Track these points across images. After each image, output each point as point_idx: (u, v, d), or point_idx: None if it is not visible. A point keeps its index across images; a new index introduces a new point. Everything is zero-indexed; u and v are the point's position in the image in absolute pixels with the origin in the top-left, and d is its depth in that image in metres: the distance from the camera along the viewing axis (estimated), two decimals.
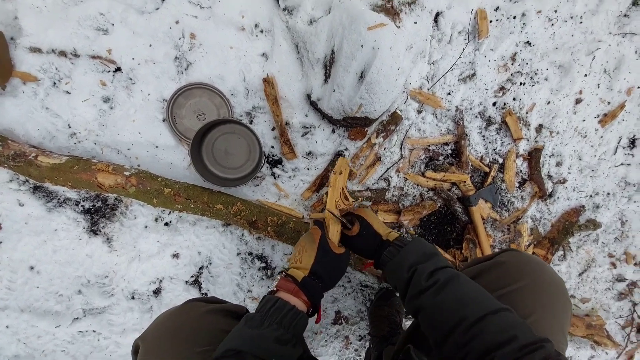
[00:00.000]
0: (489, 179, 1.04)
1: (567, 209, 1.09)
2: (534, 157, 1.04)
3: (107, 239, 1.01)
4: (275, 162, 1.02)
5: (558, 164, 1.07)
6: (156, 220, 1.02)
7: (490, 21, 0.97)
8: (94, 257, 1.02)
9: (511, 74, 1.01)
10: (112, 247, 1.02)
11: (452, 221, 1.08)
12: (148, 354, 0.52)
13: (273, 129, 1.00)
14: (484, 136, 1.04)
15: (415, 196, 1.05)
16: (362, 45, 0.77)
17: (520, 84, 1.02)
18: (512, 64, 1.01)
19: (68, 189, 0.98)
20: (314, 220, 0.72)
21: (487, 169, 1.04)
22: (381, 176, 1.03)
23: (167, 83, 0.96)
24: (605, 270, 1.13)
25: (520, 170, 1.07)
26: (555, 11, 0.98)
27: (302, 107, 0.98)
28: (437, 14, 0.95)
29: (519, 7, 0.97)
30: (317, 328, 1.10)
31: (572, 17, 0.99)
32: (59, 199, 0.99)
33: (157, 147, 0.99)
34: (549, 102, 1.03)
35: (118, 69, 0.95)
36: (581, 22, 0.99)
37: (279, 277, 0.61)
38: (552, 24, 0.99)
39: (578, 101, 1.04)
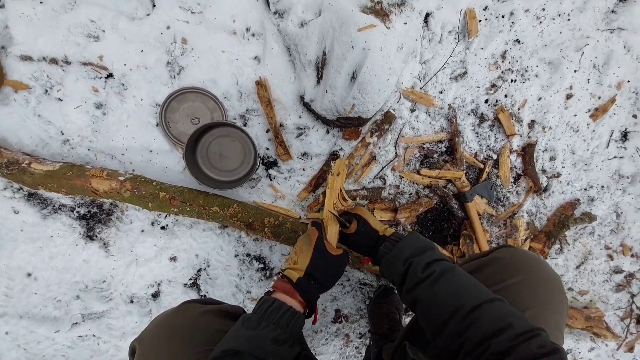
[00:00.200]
0: (484, 175, 1.04)
1: (562, 203, 1.10)
2: (527, 152, 1.05)
3: (104, 244, 1.01)
4: (270, 164, 1.02)
5: (552, 159, 1.08)
6: (152, 224, 1.02)
7: (480, 20, 0.98)
8: (90, 262, 1.01)
9: (502, 72, 1.02)
10: (109, 252, 1.02)
11: (449, 218, 1.08)
12: (146, 354, 0.52)
13: (267, 131, 1.01)
14: (477, 133, 1.05)
15: (411, 194, 1.06)
16: (352, 47, 0.77)
17: (511, 81, 1.03)
18: (503, 61, 1.02)
19: (63, 196, 0.98)
20: (312, 221, 0.73)
21: (482, 165, 1.05)
22: (377, 175, 1.04)
23: (159, 88, 0.96)
24: (602, 263, 1.14)
25: (515, 166, 1.08)
26: (543, 9, 0.99)
27: (296, 108, 0.99)
28: (427, 15, 0.96)
29: (507, 6, 0.98)
30: (317, 327, 1.10)
31: (559, 15, 1.00)
32: (54, 206, 0.99)
33: (151, 151, 0.99)
34: (540, 98, 1.04)
35: (110, 75, 0.96)
36: (569, 20, 1.00)
37: (276, 277, 0.62)
38: (541, 22, 1.00)
39: (569, 96, 1.05)
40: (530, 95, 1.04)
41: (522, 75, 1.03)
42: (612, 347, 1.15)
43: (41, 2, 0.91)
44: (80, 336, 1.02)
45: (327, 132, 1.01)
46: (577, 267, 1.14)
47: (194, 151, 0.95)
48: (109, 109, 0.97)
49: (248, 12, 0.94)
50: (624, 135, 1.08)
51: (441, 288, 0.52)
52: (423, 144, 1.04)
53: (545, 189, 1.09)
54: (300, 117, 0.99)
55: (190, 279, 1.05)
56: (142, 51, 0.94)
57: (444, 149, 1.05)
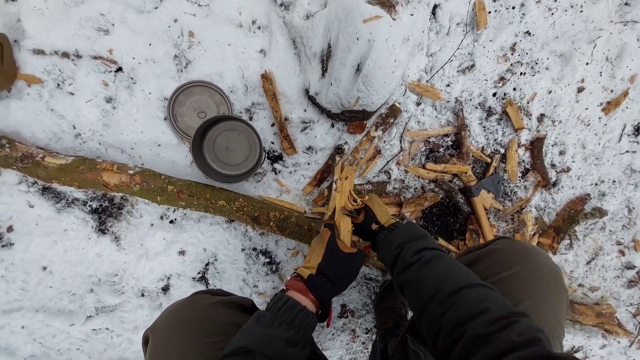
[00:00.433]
0: (491, 170, 1.03)
1: (572, 198, 1.08)
2: (536, 146, 1.04)
3: (115, 237, 1.04)
4: (275, 158, 1.02)
5: (561, 153, 1.06)
6: (161, 218, 1.04)
7: (489, 12, 0.97)
8: (103, 256, 1.04)
9: (511, 64, 1.00)
10: (120, 246, 1.04)
11: (455, 212, 1.08)
12: (157, 344, 0.54)
13: (272, 125, 1.01)
14: (484, 127, 1.04)
15: (416, 188, 1.06)
16: (357, 38, 0.77)
17: (521, 74, 1.01)
18: (512, 54, 1.00)
19: (75, 189, 1.00)
20: (325, 223, 0.75)
21: (489, 160, 1.04)
22: (381, 169, 1.03)
23: (167, 82, 0.98)
24: (613, 258, 1.12)
25: (523, 160, 1.06)
26: (555, 0, 0.97)
27: (301, 102, 0.99)
28: (435, 6, 0.94)
29: None
30: (324, 323, 1.11)
31: (572, 6, 0.97)
32: (67, 200, 1.01)
33: (159, 145, 1.01)
34: (550, 92, 1.02)
35: (119, 69, 0.97)
36: (581, 11, 0.98)
37: (289, 277, 0.62)
38: (552, 14, 0.98)
39: (580, 90, 1.02)
40: (540, 88, 1.02)
41: (532, 68, 1.01)
42: (624, 344, 1.13)
43: None
44: (94, 329, 1.04)
45: (332, 125, 1.01)
46: (588, 263, 1.12)
47: (200, 145, 0.96)
48: (118, 103, 0.98)
49: (254, 4, 0.94)
50: (637, 129, 1.05)
51: (427, 272, 0.52)
52: (429, 137, 1.03)
53: (555, 184, 1.07)
54: (305, 110, 0.99)
55: (199, 273, 1.06)
56: (150, 44, 0.95)
57: (450, 143, 1.04)
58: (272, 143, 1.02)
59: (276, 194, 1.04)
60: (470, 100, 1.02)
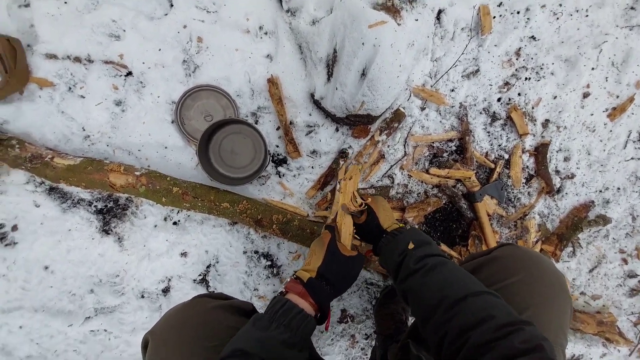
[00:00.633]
0: (495, 175, 1.03)
1: (576, 205, 1.07)
2: (540, 152, 1.03)
3: (119, 238, 1.04)
4: (280, 161, 1.03)
5: (566, 159, 1.05)
6: (165, 219, 1.05)
7: (494, 17, 0.98)
8: (105, 256, 1.04)
9: (516, 69, 1.01)
10: (123, 247, 1.04)
11: (458, 218, 1.07)
12: (157, 348, 0.53)
13: (278, 129, 1.02)
14: (488, 132, 1.04)
15: (419, 193, 1.05)
16: (363, 43, 0.78)
17: (526, 79, 1.01)
18: (517, 59, 1.00)
19: (82, 190, 1.01)
20: (325, 225, 0.74)
21: (493, 165, 1.03)
22: (385, 173, 1.04)
23: (175, 86, 0.99)
24: (616, 267, 1.10)
25: (527, 166, 1.06)
26: (560, 5, 0.98)
27: (306, 106, 1.00)
28: (440, 11, 0.95)
29: (523, 1, 0.97)
30: (323, 327, 1.10)
31: (577, 11, 0.98)
32: (73, 200, 1.03)
33: (166, 147, 1.02)
34: (555, 97, 1.02)
35: (129, 73, 0.99)
36: (587, 16, 0.98)
37: (289, 279, 0.62)
38: (557, 18, 0.98)
39: (586, 95, 1.02)
40: (545, 93, 1.02)
41: (537, 73, 1.01)
42: (624, 353, 1.11)
43: (65, 2, 0.95)
44: (92, 331, 1.03)
45: (337, 130, 1.02)
46: (590, 271, 1.11)
47: (206, 147, 0.97)
48: (127, 106, 1.00)
49: (261, 10, 0.96)
50: None
51: (431, 279, 0.52)
52: (433, 142, 1.03)
53: (559, 190, 1.06)
54: (310, 114, 1.00)
55: (200, 275, 1.07)
56: (160, 50, 0.97)
57: (454, 148, 1.04)
58: (277, 146, 1.03)
59: (280, 197, 1.05)
60: (475, 105, 1.02)
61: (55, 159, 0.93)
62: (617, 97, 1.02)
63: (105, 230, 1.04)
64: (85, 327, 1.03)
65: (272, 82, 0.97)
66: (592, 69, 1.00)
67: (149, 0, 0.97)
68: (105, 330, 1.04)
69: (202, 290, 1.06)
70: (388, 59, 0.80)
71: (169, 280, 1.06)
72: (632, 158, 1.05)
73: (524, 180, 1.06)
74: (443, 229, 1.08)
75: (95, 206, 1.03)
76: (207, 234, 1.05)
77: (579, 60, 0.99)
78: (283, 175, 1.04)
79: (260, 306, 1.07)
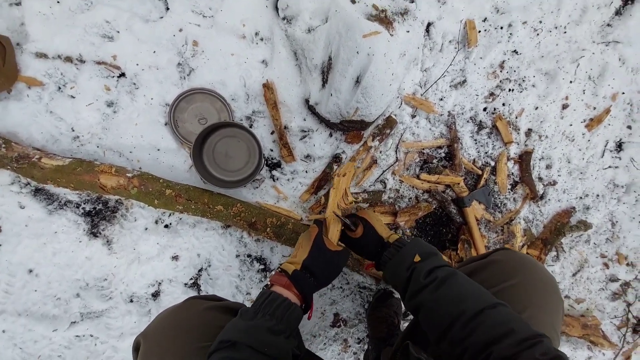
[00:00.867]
0: (482, 181, 1.07)
1: (558, 210, 1.12)
2: (524, 160, 1.08)
3: (107, 241, 1.02)
4: (274, 165, 1.04)
5: (548, 167, 1.10)
6: (156, 222, 1.04)
7: (479, 31, 1.03)
8: (93, 259, 1.02)
9: (500, 81, 1.06)
10: (112, 250, 1.02)
11: (447, 222, 1.10)
12: (150, 349, 0.53)
13: (272, 133, 1.03)
14: (475, 140, 1.08)
15: (410, 198, 1.08)
16: (357, 52, 0.81)
17: (509, 90, 1.06)
18: (501, 71, 1.06)
19: (70, 192, 0.99)
20: (315, 219, 0.75)
21: (480, 172, 1.07)
22: (377, 179, 1.06)
23: (169, 88, 0.99)
24: (598, 271, 1.15)
25: (512, 173, 1.10)
26: (540, 22, 1.04)
27: (301, 111, 1.02)
28: (429, 24, 1.00)
29: (506, 18, 1.02)
30: (315, 331, 1.10)
31: (556, 27, 1.04)
32: (60, 202, 1.00)
33: (158, 150, 1.01)
34: (537, 108, 1.08)
35: (122, 75, 0.98)
36: (565, 32, 1.05)
37: (274, 272, 0.63)
38: (538, 34, 1.04)
39: (565, 106, 1.08)
40: (528, 104, 1.07)
41: (519, 84, 1.06)
42: (609, 356, 1.15)
43: (58, 2, 0.94)
44: (77, 336, 1.01)
45: (330, 135, 1.04)
46: (574, 275, 1.15)
47: (200, 150, 0.97)
48: (119, 107, 0.99)
49: (257, 17, 0.98)
50: (619, 146, 1.11)
51: (444, 293, 0.52)
52: (423, 149, 1.06)
53: (542, 197, 1.11)
54: (304, 119, 1.02)
55: (191, 279, 1.05)
56: (154, 52, 0.97)
57: (443, 154, 1.08)
58: (271, 150, 1.04)
59: (274, 200, 1.05)
60: (462, 114, 1.06)
61: (42, 159, 0.91)
62: (594, 108, 1.08)
63: (94, 233, 1.01)
64: (70, 332, 1.00)
65: (268, 87, 0.98)
66: (571, 82, 1.06)
67: (144, 3, 0.98)
68: (92, 336, 1.01)
69: (193, 294, 1.04)
70: (381, 67, 0.83)
71: (159, 284, 1.04)
72: (609, 166, 1.11)
73: (509, 187, 1.10)
74: (434, 233, 1.10)
75: (83, 208, 1.01)
76: (200, 237, 1.04)
77: (558, 74, 1.05)
78: (277, 179, 1.05)
79: None
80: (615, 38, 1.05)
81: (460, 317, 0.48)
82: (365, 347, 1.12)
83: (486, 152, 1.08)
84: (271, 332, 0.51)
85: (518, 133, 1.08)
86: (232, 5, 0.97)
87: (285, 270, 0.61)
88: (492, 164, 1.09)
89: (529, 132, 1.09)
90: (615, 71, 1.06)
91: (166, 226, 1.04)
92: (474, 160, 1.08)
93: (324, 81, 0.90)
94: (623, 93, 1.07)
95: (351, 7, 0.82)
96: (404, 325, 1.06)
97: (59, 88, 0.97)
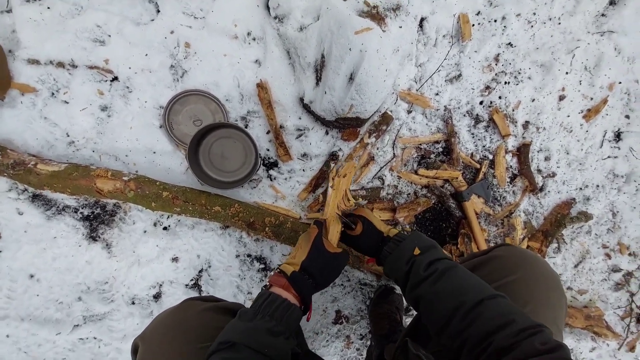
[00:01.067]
0: (480, 175, 1.06)
1: (558, 202, 1.12)
2: (522, 152, 1.08)
3: (107, 244, 1.02)
4: (271, 165, 1.04)
5: (546, 159, 1.10)
6: (155, 224, 1.04)
7: (473, 25, 1.02)
8: (93, 263, 1.02)
9: (495, 74, 1.05)
10: (112, 253, 1.03)
11: (447, 217, 1.10)
12: (147, 351, 0.53)
13: (268, 132, 1.03)
14: (473, 134, 1.07)
15: (409, 194, 1.08)
16: (350, 49, 0.80)
17: (505, 83, 1.06)
18: (496, 64, 1.05)
19: (67, 196, 0.99)
20: (315, 220, 0.74)
21: (478, 165, 1.07)
22: (375, 175, 1.06)
23: (163, 91, 0.99)
24: (600, 262, 1.15)
25: (511, 166, 1.10)
26: (534, 14, 1.03)
27: (296, 110, 1.01)
28: (422, 19, 0.99)
29: (499, 11, 1.01)
30: (318, 328, 1.10)
31: (550, 19, 1.03)
32: (58, 207, 1.00)
33: (154, 152, 1.01)
34: (533, 100, 1.07)
35: (115, 78, 0.98)
36: (559, 23, 1.04)
37: (273, 273, 0.63)
38: (532, 26, 1.03)
39: (561, 98, 1.07)
40: (524, 96, 1.06)
41: (515, 77, 1.06)
42: (613, 347, 1.15)
43: (48, 8, 0.94)
44: (81, 339, 1.02)
45: (326, 133, 1.03)
46: (576, 266, 1.15)
47: (196, 152, 0.97)
48: (113, 111, 0.99)
49: (249, 17, 0.97)
50: (617, 136, 1.10)
51: (443, 286, 0.53)
52: (420, 144, 1.06)
53: (541, 189, 1.11)
54: (300, 118, 1.02)
55: (192, 280, 1.05)
56: (146, 55, 0.97)
57: (440, 149, 1.07)
58: (268, 150, 1.04)
59: (271, 200, 1.05)
60: (459, 108, 1.06)
61: (38, 165, 0.91)
62: (591, 99, 1.08)
63: (93, 237, 1.02)
64: (73, 335, 1.01)
65: (262, 87, 0.98)
66: (567, 73, 1.05)
67: (135, 6, 0.97)
68: (95, 338, 1.02)
69: (194, 295, 1.05)
70: (374, 63, 0.83)
71: (160, 285, 1.05)
72: (608, 157, 1.11)
73: (508, 180, 1.09)
74: (433, 228, 1.10)
75: (81, 213, 1.01)
76: (199, 238, 1.04)
77: (553, 65, 1.04)
78: (274, 179, 1.04)
79: None
80: (610, 28, 1.04)
81: (460, 308, 0.48)
82: (368, 342, 1.12)
83: (484, 146, 1.08)
84: (271, 333, 0.51)
85: (515, 126, 1.07)
86: (223, 5, 0.96)
87: (283, 271, 0.61)
88: (490, 157, 1.08)
89: (526, 125, 1.08)
90: (611, 61, 1.05)
91: (165, 228, 1.04)
92: (471, 154, 1.08)
93: (318, 79, 0.90)
94: (620, 83, 1.07)
95: (342, 4, 0.81)
96: (407, 321, 1.06)
97: (53, 94, 0.97)
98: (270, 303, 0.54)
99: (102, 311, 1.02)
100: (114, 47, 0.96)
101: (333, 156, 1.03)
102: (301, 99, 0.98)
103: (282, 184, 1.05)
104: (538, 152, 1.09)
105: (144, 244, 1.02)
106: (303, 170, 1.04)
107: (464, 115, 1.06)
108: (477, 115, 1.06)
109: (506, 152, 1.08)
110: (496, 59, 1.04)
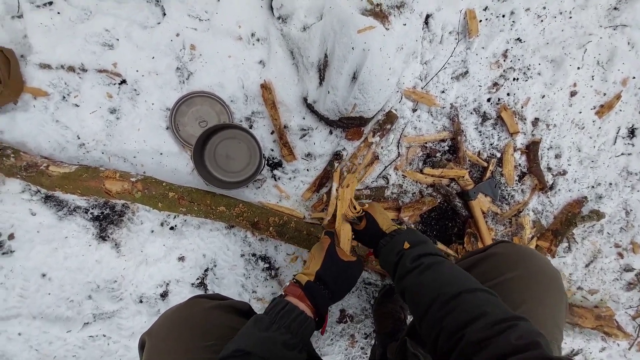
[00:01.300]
0: (488, 174, 1.04)
1: (569, 201, 1.09)
2: (532, 150, 1.05)
3: (116, 244, 1.05)
4: (275, 165, 1.04)
5: (557, 156, 1.07)
6: (162, 224, 1.05)
7: (480, 20, 1.00)
8: (103, 262, 1.05)
9: (504, 70, 1.03)
10: (120, 252, 1.05)
11: (453, 216, 1.08)
12: (154, 347, 0.54)
13: (272, 133, 1.03)
14: (480, 132, 1.06)
15: (414, 193, 1.07)
16: (353, 48, 0.80)
17: (514, 79, 1.03)
18: (504, 60, 1.03)
19: (78, 197, 1.02)
20: (325, 231, 0.75)
21: (485, 164, 1.05)
22: (380, 174, 1.05)
23: (169, 93, 1.00)
24: (612, 261, 1.12)
25: (519, 164, 1.07)
26: (544, 8, 1.00)
27: (300, 110, 1.01)
28: (427, 16, 0.97)
29: (508, 5, 0.99)
30: (319, 329, 1.10)
31: (561, 13, 1.00)
32: (69, 208, 1.03)
33: (161, 154, 1.03)
34: (543, 96, 1.04)
35: (123, 81, 1.00)
36: (570, 17, 1.01)
37: (288, 283, 0.63)
38: (542, 20, 1.01)
39: (573, 94, 1.04)
40: (534, 93, 1.04)
41: (524, 73, 1.03)
42: (623, 347, 1.12)
43: (58, 13, 0.96)
44: (91, 336, 1.04)
45: (330, 132, 1.03)
46: (587, 266, 1.12)
47: (201, 153, 0.98)
48: (122, 114, 1.01)
49: (253, 18, 0.98)
50: (631, 132, 1.07)
51: (427, 278, 0.53)
52: (425, 143, 1.05)
53: (551, 187, 1.08)
54: (304, 118, 1.02)
55: (198, 279, 1.07)
56: (153, 58, 0.99)
57: (446, 147, 1.06)
58: (272, 150, 1.04)
59: (276, 200, 1.06)
60: (465, 105, 1.04)
61: (50, 167, 0.94)
62: (604, 94, 1.04)
63: (102, 237, 1.04)
64: (84, 332, 1.03)
65: (266, 87, 0.98)
66: (578, 68, 1.02)
67: (142, 10, 0.99)
68: (104, 336, 1.04)
69: (200, 294, 1.07)
70: (378, 62, 0.82)
71: (167, 284, 1.06)
72: (622, 154, 1.07)
73: (516, 178, 1.07)
74: (439, 227, 1.09)
75: (91, 213, 1.03)
76: (205, 238, 1.06)
77: (564, 60, 1.01)
78: (279, 179, 1.05)
79: (259, 308, 1.07)
80: (623, 21, 1.00)
81: (438, 299, 0.48)
82: (372, 341, 1.11)
83: (491, 144, 1.06)
84: (285, 346, 0.50)
85: (524, 123, 1.05)
86: (227, 7, 0.97)
87: (299, 281, 0.61)
88: (498, 155, 1.06)
89: (535, 122, 1.06)
90: (625, 55, 1.01)
91: (172, 228, 1.05)
92: (479, 152, 1.06)
93: (321, 79, 0.90)
94: (634, 77, 1.03)
95: (345, 2, 0.81)
96: (410, 319, 1.05)
97: (64, 97, 1.00)
98: (287, 313, 0.53)
99: (111, 309, 1.05)
100: (122, 51, 0.98)
101: (337, 156, 1.03)
102: (305, 99, 0.98)
103: (286, 183, 1.05)
104: (548, 149, 1.07)
105: (151, 244, 1.04)
106: (307, 170, 1.04)
107: (471, 113, 1.05)
108: (484, 112, 1.04)
109: (515, 150, 1.06)
110: (504, 55, 1.02)
